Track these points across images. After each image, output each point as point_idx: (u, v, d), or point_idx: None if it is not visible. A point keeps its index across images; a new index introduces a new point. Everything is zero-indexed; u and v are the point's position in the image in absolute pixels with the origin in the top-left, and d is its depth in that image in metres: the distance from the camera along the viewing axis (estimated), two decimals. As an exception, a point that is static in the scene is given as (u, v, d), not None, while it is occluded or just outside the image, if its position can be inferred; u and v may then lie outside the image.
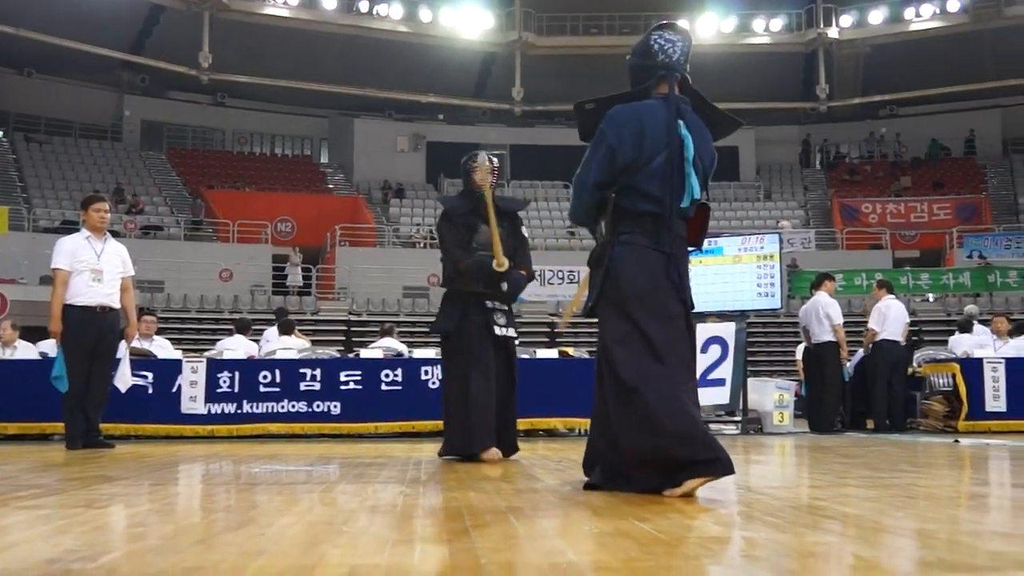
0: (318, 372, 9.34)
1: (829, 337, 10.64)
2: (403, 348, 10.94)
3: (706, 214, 3.81)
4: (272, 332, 11.54)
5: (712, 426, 9.70)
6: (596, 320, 3.76)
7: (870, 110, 34.48)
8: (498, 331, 5.68)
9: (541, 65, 31.85)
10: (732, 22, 31.61)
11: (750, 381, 10.55)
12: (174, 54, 29.43)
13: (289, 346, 10.50)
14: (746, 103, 28.35)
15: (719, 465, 3.34)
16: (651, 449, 3.41)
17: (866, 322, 11.51)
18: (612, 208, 3.66)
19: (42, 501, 3.47)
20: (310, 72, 30.94)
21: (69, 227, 19.71)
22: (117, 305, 7.50)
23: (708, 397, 9.43)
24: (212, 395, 9.16)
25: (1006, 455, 6.39)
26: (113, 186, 27.87)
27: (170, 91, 32.71)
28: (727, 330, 9.84)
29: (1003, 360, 10.40)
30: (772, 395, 10.44)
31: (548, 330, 21.96)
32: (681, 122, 3.61)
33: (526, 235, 6.08)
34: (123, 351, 7.83)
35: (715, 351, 9.82)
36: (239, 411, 9.17)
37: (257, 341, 11.40)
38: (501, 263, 5.60)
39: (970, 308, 15.98)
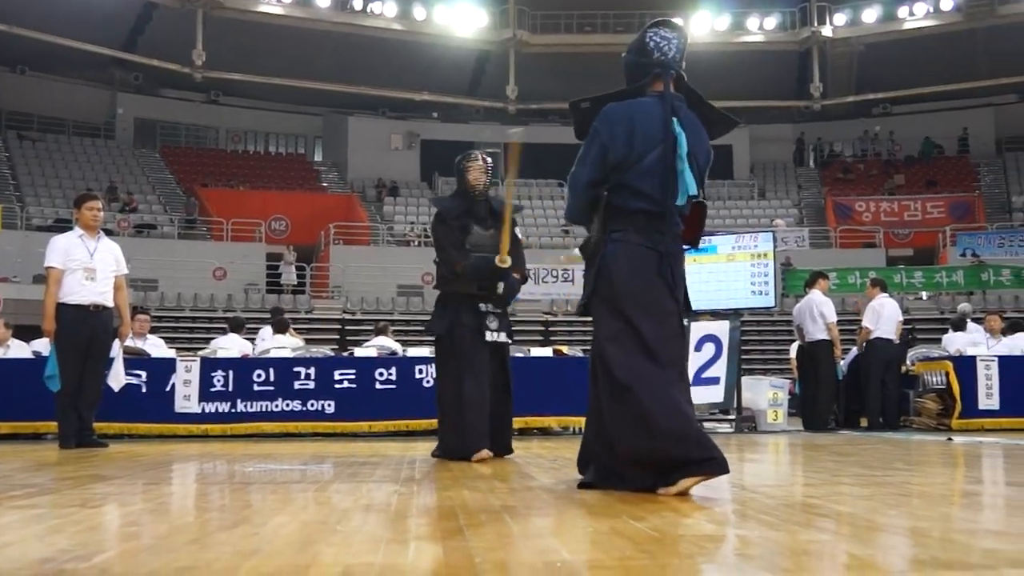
0: (312, 371, 9.33)
1: (823, 335, 10.65)
2: (397, 347, 10.93)
3: (702, 212, 3.82)
4: (268, 331, 11.53)
5: (706, 424, 9.73)
6: (590, 318, 3.77)
7: (864, 108, 34.53)
8: (489, 337, 5.68)
9: (535, 63, 31.85)
10: (726, 20, 31.61)
11: (744, 379, 10.56)
12: (167, 52, 29.36)
13: (283, 345, 10.48)
14: (740, 101, 28.37)
15: (713, 464, 3.35)
16: (646, 448, 3.42)
17: (858, 320, 11.53)
18: (605, 206, 3.66)
19: (36, 500, 3.46)
20: (304, 70, 30.89)
21: (62, 225, 19.68)
22: (110, 304, 7.49)
23: (702, 395, 9.45)
24: (206, 394, 9.14)
25: (999, 453, 6.41)
26: (106, 184, 27.79)
27: (163, 89, 32.63)
28: (721, 328, 9.85)
29: (996, 358, 10.42)
30: (766, 393, 10.46)
31: (542, 329, 21.98)
32: (676, 120, 3.61)
33: (520, 236, 6.08)
34: (117, 350, 7.82)
35: (709, 349, 9.83)
36: (233, 410, 9.16)
37: (252, 340, 11.38)
38: (504, 259, 5.60)
39: (963, 306, 16.01)
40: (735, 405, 9.96)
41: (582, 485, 3.67)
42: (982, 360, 10.36)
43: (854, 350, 11.51)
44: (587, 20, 31.71)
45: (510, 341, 5.99)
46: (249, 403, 9.18)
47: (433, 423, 6.44)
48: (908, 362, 11.57)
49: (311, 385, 9.26)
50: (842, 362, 11.15)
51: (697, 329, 9.68)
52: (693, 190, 3.64)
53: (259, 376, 9.26)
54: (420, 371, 9.30)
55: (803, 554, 2.22)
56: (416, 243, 27.18)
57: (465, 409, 5.51)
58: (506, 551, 2.26)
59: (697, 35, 29.34)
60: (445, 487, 3.85)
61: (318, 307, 23.33)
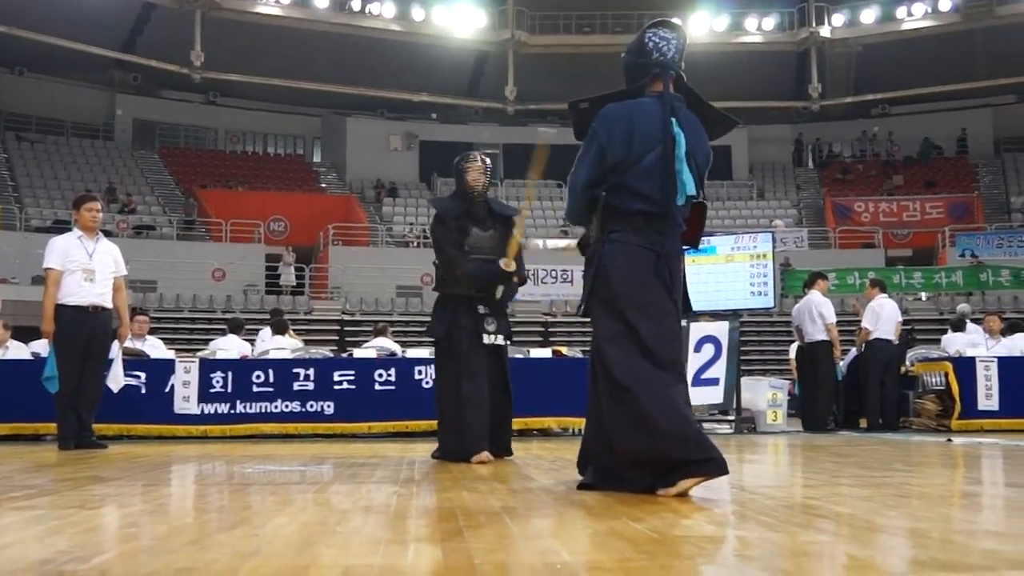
0: (311, 372, 9.33)
1: (822, 336, 10.66)
2: (397, 348, 10.93)
3: (702, 213, 3.82)
4: (267, 332, 11.53)
5: (706, 425, 9.73)
6: (589, 319, 3.77)
7: (862, 109, 34.55)
8: (486, 339, 5.67)
9: (534, 64, 31.85)
10: (724, 21, 31.62)
11: (743, 380, 10.56)
12: (166, 53, 29.35)
13: (282, 346, 10.48)
14: (739, 102, 28.38)
15: (713, 465, 3.35)
16: (645, 449, 3.42)
17: (858, 321, 11.53)
18: (603, 207, 3.66)
19: (35, 502, 3.46)
20: (303, 71, 30.88)
21: (61, 227, 19.67)
22: (109, 305, 7.48)
23: (702, 396, 9.44)
24: (205, 395, 9.13)
25: (999, 454, 6.41)
26: (105, 185, 27.78)
27: (162, 90, 32.63)
28: (720, 329, 9.85)
29: (996, 359, 10.42)
30: (765, 394, 10.46)
31: (542, 329, 21.98)
32: (674, 120, 3.61)
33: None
34: (116, 351, 7.81)
35: (708, 350, 9.82)
36: (232, 411, 9.15)
37: (251, 341, 11.37)
38: (509, 263, 5.60)
39: (963, 307, 16.03)
40: (734, 406, 9.96)
41: (581, 486, 3.67)
42: (981, 361, 10.36)
43: (853, 351, 11.51)
44: (586, 21, 31.72)
45: (508, 343, 5.99)
46: (248, 404, 9.18)
47: (432, 424, 6.44)
48: (907, 363, 11.57)
49: (310, 386, 9.26)
50: (841, 363, 11.15)
51: (696, 330, 9.68)
52: (691, 190, 3.63)
53: (258, 377, 9.25)
54: (419, 372, 9.30)
55: (803, 555, 2.22)
56: (415, 244, 27.18)
57: (464, 410, 5.51)
58: (506, 552, 2.26)
59: (695, 36, 29.34)
60: (445, 488, 3.85)
61: (317, 308, 23.32)
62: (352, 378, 9.33)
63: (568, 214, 3.88)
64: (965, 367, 10.33)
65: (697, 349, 9.66)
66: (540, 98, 31.30)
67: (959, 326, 12.41)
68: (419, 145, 33.42)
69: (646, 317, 3.55)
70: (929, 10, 30.65)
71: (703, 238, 4.04)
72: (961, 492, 3.90)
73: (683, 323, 4.08)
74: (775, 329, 21.16)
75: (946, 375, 10.37)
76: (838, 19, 31.76)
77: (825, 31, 31.55)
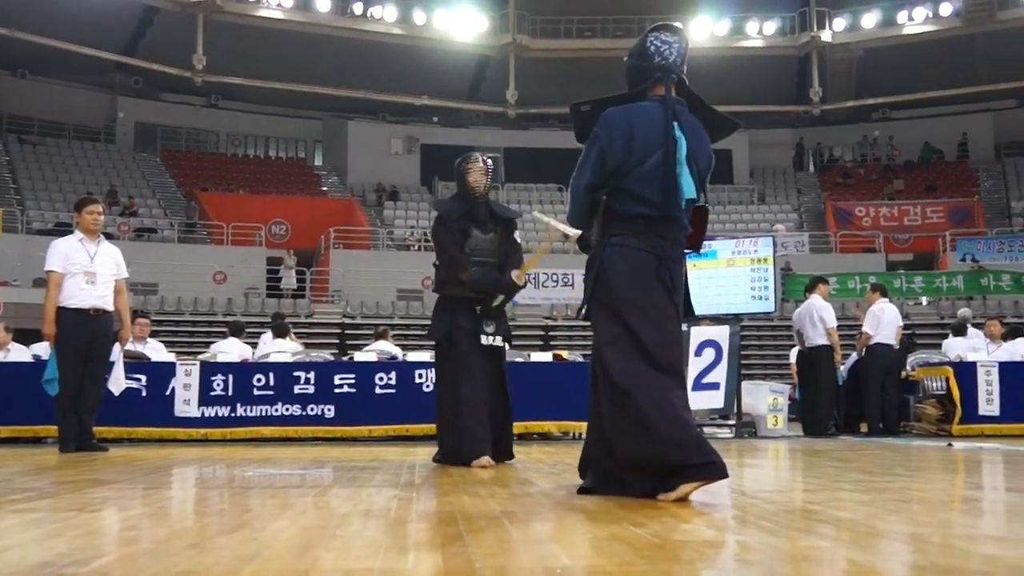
0: (312, 375, 9.33)
1: (823, 340, 10.65)
2: (397, 351, 10.92)
3: (704, 216, 3.82)
4: (268, 335, 11.54)
5: (706, 430, 9.72)
6: (590, 323, 3.77)
7: (863, 113, 34.57)
8: (484, 340, 5.67)
9: (535, 68, 31.86)
10: (725, 25, 31.64)
11: (744, 384, 10.55)
12: (168, 56, 29.38)
13: (283, 349, 10.48)
14: (739, 106, 28.35)
15: (713, 469, 3.35)
16: (645, 454, 3.41)
17: (858, 325, 11.52)
18: (604, 210, 3.66)
19: (35, 505, 3.45)
20: (304, 74, 30.92)
21: (63, 229, 19.67)
22: (110, 307, 7.49)
23: (702, 401, 9.43)
24: (206, 398, 9.14)
25: (999, 459, 6.41)
26: (106, 188, 27.81)
27: (164, 93, 32.67)
28: (721, 333, 9.84)
29: (996, 364, 10.41)
30: (766, 398, 10.45)
31: (542, 333, 21.98)
32: (676, 124, 3.61)
33: (519, 240, 6.09)
34: (117, 354, 7.82)
35: (709, 355, 9.81)
36: (233, 414, 9.16)
37: (252, 344, 11.37)
38: (521, 276, 5.61)
39: (963, 311, 16.02)
40: (735, 410, 9.95)
41: (582, 490, 3.67)
42: (982, 366, 10.35)
43: (854, 355, 11.50)
44: (587, 25, 31.75)
45: (507, 345, 5.98)
46: (249, 407, 9.18)
47: (433, 427, 6.44)
48: (908, 367, 11.56)
49: (311, 389, 9.26)
50: (842, 367, 11.14)
51: (697, 334, 9.67)
52: (691, 194, 3.63)
53: (259, 380, 9.26)
54: (420, 375, 9.30)
55: (803, 560, 2.22)
56: (416, 247, 27.19)
57: (463, 407, 5.51)
58: (506, 557, 2.26)
59: (697, 40, 29.36)
60: (445, 492, 3.85)
61: (318, 311, 23.33)
62: (352, 381, 9.33)
63: (570, 218, 3.88)
64: (966, 372, 10.32)
65: (698, 353, 9.65)
66: (541, 102, 31.33)
67: (960, 331, 12.40)
68: (420, 149, 33.45)
69: (647, 321, 3.55)
70: (930, 15, 30.68)
71: (704, 242, 4.04)
72: (962, 497, 3.90)
73: (683, 327, 4.08)
74: (776, 333, 21.16)
75: (947, 380, 10.36)
76: (839, 23, 31.78)
77: (826, 35, 31.57)
